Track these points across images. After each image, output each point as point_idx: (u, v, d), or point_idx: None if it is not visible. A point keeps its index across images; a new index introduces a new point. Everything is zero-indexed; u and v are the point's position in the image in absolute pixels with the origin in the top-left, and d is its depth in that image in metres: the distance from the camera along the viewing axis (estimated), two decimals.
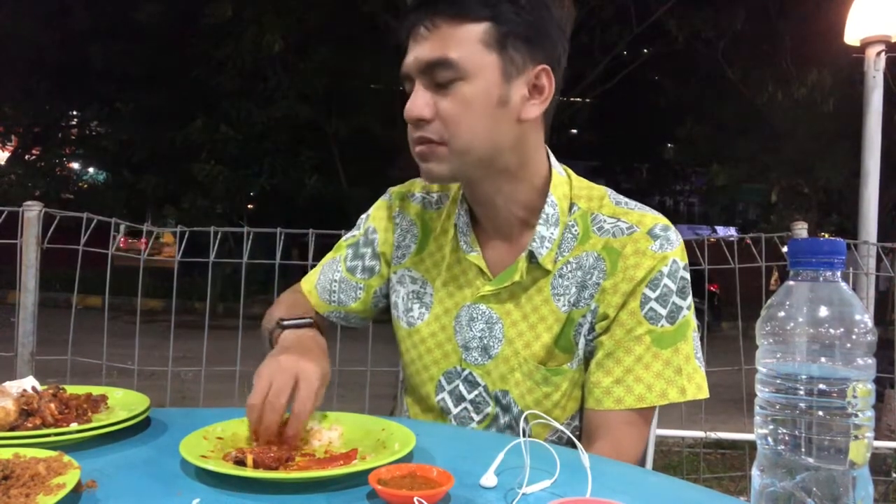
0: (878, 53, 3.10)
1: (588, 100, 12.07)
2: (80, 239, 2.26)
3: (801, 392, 0.59)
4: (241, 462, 0.79)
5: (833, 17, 4.23)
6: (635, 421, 1.04)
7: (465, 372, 1.11)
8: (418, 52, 0.99)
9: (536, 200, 1.08)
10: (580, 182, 1.12)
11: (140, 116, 11.76)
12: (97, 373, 2.28)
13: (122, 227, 2.36)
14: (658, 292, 1.02)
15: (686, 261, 1.07)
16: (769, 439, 0.61)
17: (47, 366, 2.21)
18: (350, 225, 1.31)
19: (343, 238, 1.29)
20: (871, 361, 0.59)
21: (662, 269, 1.02)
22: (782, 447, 0.60)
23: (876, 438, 2.75)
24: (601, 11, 9.36)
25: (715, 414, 2.73)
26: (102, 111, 12.61)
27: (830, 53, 6.77)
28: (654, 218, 1.06)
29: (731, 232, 13.74)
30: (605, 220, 1.07)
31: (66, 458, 0.75)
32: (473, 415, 1.12)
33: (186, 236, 2.40)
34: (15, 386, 0.94)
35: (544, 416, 0.98)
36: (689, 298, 1.05)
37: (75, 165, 14.42)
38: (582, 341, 1.06)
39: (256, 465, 0.78)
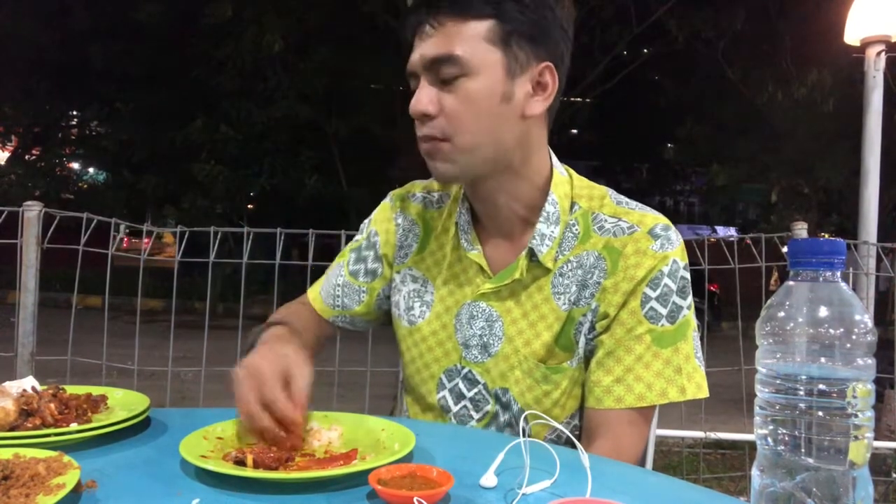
0: (878, 53, 3.10)
1: (588, 100, 12.08)
2: (81, 239, 2.26)
3: (801, 392, 0.59)
4: (241, 462, 0.79)
5: (833, 17, 4.23)
6: (635, 420, 1.04)
7: (465, 370, 1.12)
8: (424, 49, 1.00)
9: (538, 198, 1.08)
10: (581, 182, 1.13)
11: (140, 116, 11.77)
12: (97, 373, 2.28)
13: (122, 228, 2.36)
14: (658, 291, 1.02)
15: (686, 260, 1.07)
16: (769, 439, 0.61)
17: (47, 366, 2.21)
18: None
19: (348, 245, 1.30)
20: (871, 362, 0.59)
21: (663, 269, 1.03)
22: (782, 447, 0.60)
23: (876, 438, 2.75)
24: (601, 11, 9.38)
25: (715, 414, 2.73)
26: (102, 111, 12.62)
27: (830, 53, 6.78)
28: (654, 218, 1.07)
29: (731, 232, 13.75)
30: (605, 220, 1.07)
31: (66, 458, 0.75)
32: (473, 413, 1.12)
33: (186, 236, 2.40)
34: (15, 386, 0.94)
35: (544, 416, 0.98)
36: (690, 298, 1.05)
37: (75, 165, 14.42)
38: (582, 340, 1.06)
39: (256, 465, 0.78)
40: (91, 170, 15.06)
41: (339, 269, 1.26)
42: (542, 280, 1.07)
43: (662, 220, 1.07)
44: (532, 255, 1.06)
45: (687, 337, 1.04)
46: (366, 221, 1.28)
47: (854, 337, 0.59)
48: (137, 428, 0.93)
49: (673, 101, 11.44)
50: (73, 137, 14.04)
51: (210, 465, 0.76)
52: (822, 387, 0.58)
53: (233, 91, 10.50)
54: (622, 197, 1.11)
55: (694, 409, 2.67)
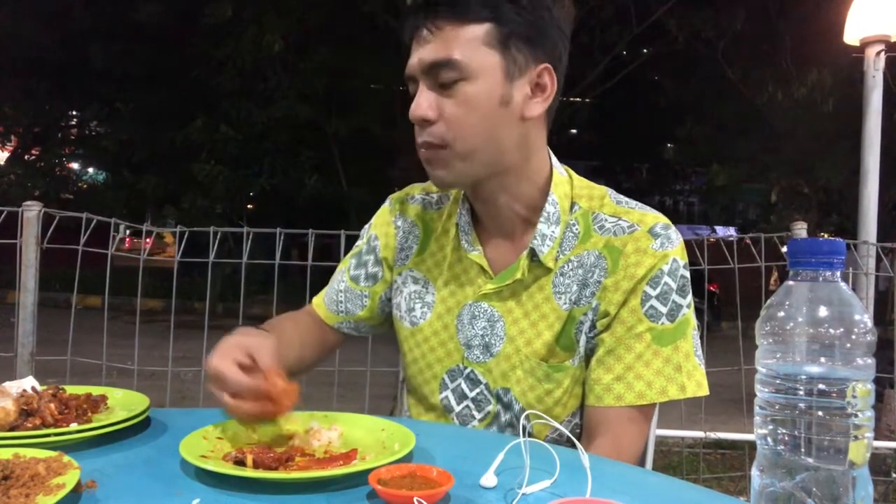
0: (878, 53, 3.10)
1: (588, 100, 12.07)
2: (80, 239, 2.26)
3: (801, 392, 0.59)
4: (241, 462, 0.79)
5: (833, 17, 4.23)
6: (636, 418, 1.04)
7: (467, 370, 1.12)
8: (422, 53, 1.00)
9: (538, 199, 1.09)
10: (581, 182, 1.13)
11: (140, 116, 11.76)
12: (97, 373, 2.28)
13: (122, 227, 2.36)
14: (658, 290, 1.03)
15: (686, 259, 1.07)
16: (769, 439, 0.61)
17: (47, 366, 2.21)
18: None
19: (350, 251, 1.31)
20: (870, 361, 0.59)
21: (663, 268, 1.03)
22: (782, 447, 0.60)
23: (876, 438, 2.75)
24: (601, 11, 9.38)
25: (715, 414, 2.73)
26: (102, 111, 12.61)
27: (830, 53, 6.77)
28: (654, 217, 1.07)
29: (731, 232, 13.75)
30: (606, 220, 1.08)
31: (66, 458, 0.75)
32: (475, 412, 1.12)
33: (186, 236, 2.40)
34: (15, 386, 0.94)
35: (544, 416, 0.98)
36: (689, 297, 1.06)
37: (75, 165, 14.42)
38: (583, 339, 1.07)
39: (256, 465, 0.78)
40: (91, 170, 15.05)
41: (341, 276, 1.28)
42: (543, 280, 1.08)
43: (662, 219, 1.07)
44: (533, 255, 1.07)
45: (687, 335, 1.04)
46: (366, 227, 1.30)
47: (854, 337, 0.59)
48: (137, 428, 0.93)
49: (673, 101, 11.44)
50: (73, 137, 14.04)
51: (210, 465, 0.76)
52: (821, 386, 0.58)
53: (233, 91, 10.49)
54: (622, 196, 1.12)
55: (694, 408, 2.67)
